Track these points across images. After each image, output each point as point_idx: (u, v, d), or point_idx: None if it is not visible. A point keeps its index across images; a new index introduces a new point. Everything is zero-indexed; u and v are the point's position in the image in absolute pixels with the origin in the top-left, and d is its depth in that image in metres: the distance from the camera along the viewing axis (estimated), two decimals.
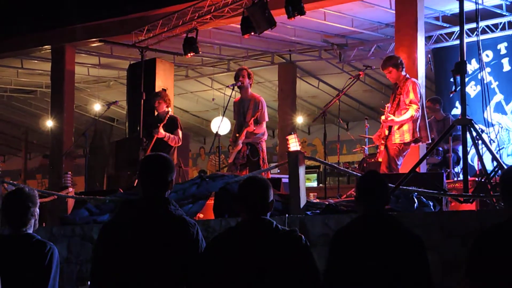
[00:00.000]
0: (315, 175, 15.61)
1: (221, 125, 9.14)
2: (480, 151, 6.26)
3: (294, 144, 7.93)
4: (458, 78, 5.88)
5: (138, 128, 9.92)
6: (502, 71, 12.39)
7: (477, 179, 7.72)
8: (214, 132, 9.81)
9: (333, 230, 3.94)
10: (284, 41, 14.37)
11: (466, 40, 6.34)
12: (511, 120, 12.21)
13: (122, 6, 12.96)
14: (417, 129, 7.66)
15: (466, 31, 7.58)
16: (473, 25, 9.56)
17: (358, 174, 6.78)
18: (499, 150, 10.63)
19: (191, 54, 11.61)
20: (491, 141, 8.82)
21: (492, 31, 12.44)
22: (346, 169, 8.69)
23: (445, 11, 12.57)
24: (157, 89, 11.27)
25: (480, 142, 6.05)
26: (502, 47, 12.44)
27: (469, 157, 8.42)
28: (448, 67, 7.83)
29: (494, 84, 12.29)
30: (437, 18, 12.84)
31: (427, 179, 6.46)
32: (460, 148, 8.55)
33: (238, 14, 10.83)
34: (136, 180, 8.05)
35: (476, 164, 9.98)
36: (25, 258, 3.83)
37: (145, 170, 3.63)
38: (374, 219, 3.68)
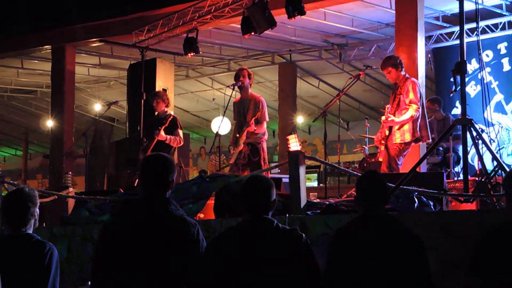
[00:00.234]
0: (316, 175, 15.62)
1: (222, 125, 9.14)
2: (480, 151, 6.25)
3: (294, 144, 7.92)
4: (458, 78, 5.88)
5: (139, 128, 9.92)
6: (502, 71, 12.41)
7: (477, 178, 7.71)
8: (215, 132, 9.80)
9: (334, 230, 3.94)
10: (284, 41, 14.38)
11: (466, 40, 6.34)
12: (511, 120, 12.21)
13: (122, 6, 12.96)
14: (418, 129, 7.66)
15: (466, 31, 7.58)
16: (473, 25, 9.54)
17: (359, 174, 6.77)
18: (499, 149, 10.63)
19: (192, 54, 11.61)
20: (491, 141, 8.81)
21: (492, 31, 12.45)
22: (346, 169, 8.69)
23: (445, 11, 12.57)
24: (158, 89, 11.27)
25: (480, 141, 6.04)
26: (502, 47, 12.45)
27: (469, 156, 8.40)
28: (448, 67, 7.82)
29: (494, 84, 12.30)
30: (437, 18, 12.85)
31: (428, 178, 6.46)
32: (460, 148, 8.54)
33: (238, 14, 10.83)
34: (137, 180, 8.05)
35: (476, 163, 9.98)
36: (25, 258, 3.84)
37: (146, 170, 3.63)
38: (374, 219, 3.68)
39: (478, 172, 9.17)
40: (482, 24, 12.00)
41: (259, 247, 3.43)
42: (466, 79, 6.25)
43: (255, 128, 8.38)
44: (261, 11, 10.07)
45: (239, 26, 10.67)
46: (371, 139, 10.17)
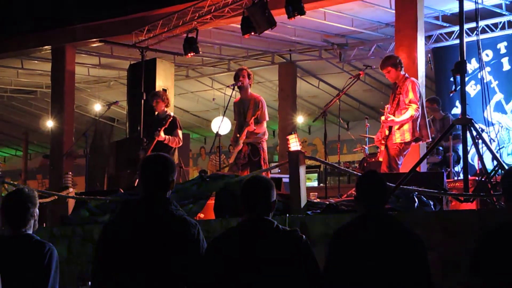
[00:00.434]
0: (316, 174, 15.60)
1: (222, 125, 9.14)
2: (480, 151, 6.25)
3: (294, 143, 7.92)
4: (458, 77, 5.88)
5: (139, 128, 9.92)
6: (502, 71, 12.41)
7: (477, 178, 7.71)
8: (215, 132, 9.80)
9: (334, 230, 3.94)
10: (284, 41, 14.37)
11: (466, 39, 6.34)
12: (511, 119, 12.21)
13: (122, 6, 12.95)
14: (417, 128, 7.66)
15: (466, 31, 7.59)
16: (473, 24, 9.55)
17: (359, 173, 6.77)
18: (499, 149, 10.63)
19: (192, 54, 11.60)
20: (491, 140, 8.80)
21: (492, 31, 12.44)
22: (346, 169, 8.70)
23: (445, 10, 12.57)
24: (158, 89, 11.26)
25: (480, 141, 6.04)
26: (502, 46, 12.45)
27: (469, 156, 8.41)
28: (448, 67, 7.83)
29: (494, 84, 12.30)
30: (437, 18, 12.85)
31: (428, 178, 6.46)
32: (460, 147, 8.55)
33: (238, 14, 10.83)
34: (137, 180, 8.05)
35: (476, 163, 9.98)
36: (25, 258, 3.84)
37: (146, 170, 3.63)
38: (374, 218, 3.68)
39: (478, 172, 9.17)
40: (482, 23, 12.01)
41: (259, 248, 3.42)
42: (466, 79, 6.24)
43: (255, 128, 8.39)
44: (261, 11, 10.06)
45: (239, 26, 10.67)
46: (371, 139, 10.17)
